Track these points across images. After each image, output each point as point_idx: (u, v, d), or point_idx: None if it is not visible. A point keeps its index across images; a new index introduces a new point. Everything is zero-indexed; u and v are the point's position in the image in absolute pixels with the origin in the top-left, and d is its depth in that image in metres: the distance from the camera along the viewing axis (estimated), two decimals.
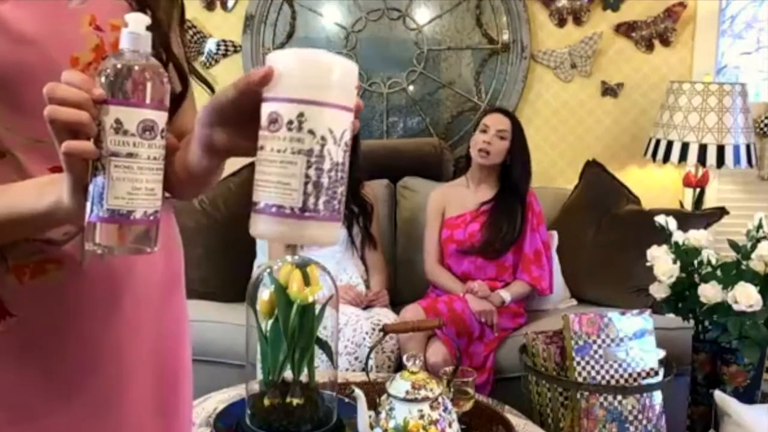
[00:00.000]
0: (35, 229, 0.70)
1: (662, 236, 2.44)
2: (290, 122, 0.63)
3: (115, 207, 0.63)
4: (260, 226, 0.69)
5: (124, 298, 0.81)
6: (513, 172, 2.67)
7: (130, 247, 0.66)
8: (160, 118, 0.65)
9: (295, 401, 1.56)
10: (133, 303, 0.82)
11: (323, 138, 0.64)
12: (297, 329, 1.51)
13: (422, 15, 3.25)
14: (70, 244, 0.74)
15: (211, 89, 0.85)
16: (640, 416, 2.11)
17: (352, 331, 2.36)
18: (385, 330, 1.86)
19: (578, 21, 3.19)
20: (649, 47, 3.19)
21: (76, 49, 0.73)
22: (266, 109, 0.64)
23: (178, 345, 0.93)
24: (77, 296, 0.76)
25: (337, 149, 0.65)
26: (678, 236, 2.40)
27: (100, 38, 0.74)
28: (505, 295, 2.57)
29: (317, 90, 0.63)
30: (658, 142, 2.98)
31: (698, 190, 3.07)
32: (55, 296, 0.74)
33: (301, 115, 0.63)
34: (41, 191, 0.66)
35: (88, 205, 0.64)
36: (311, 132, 0.63)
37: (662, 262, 2.35)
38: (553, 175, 3.27)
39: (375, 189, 2.92)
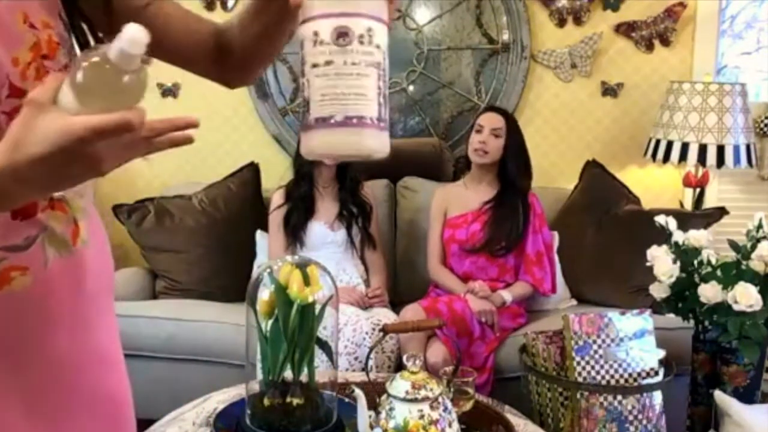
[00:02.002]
0: None
1: (662, 236, 2.44)
2: (361, 36, 0.66)
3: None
4: (337, 138, 0.67)
5: (84, 299, 0.79)
6: (510, 168, 2.67)
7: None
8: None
9: (295, 401, 1.56)
10: (89, 304, 0.80)
11: (384, 52, 0.68)
12: (297, 329, 1.52)
13: (422, 15, 3.25)
14: (33, 248, 0.71)
15: None
16: (640, 416, 2.11)
17: (352, 331, 2.36)
18: (385, 330, 1.86)
19: (578, 21, 3.19)
20: (649, 47, 3.19)
21: (14, 48, 0.70)
22: (328, 23, 0.66)
23: (118, 352, 0.90)
24: (43, 300, 0.73)
25: (387, 61, 0.69)
26: (678, 236, 2.40)
27: (36, 36, 0.71)
28: (507, 295, 2.57)
29: (379, 7, 0.68)
30: (658, 142, 2.98)
31: (698, 190, 3.07)
32: (20, 303, 0.71)
33: (369, 29, 0.66)
34: None
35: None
36: (378, 46, 0.67)
37: (662, 262, 2.35)
38: (553, 175, 3.27)
39: (375, 189, 2.92)
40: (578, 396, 2.10)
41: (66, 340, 0.76)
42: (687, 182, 3.08)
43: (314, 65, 0.67)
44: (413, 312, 2.45)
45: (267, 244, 2.82)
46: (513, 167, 2.67)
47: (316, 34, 0.66)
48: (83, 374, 0.79)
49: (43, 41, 0.72)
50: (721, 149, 2.85)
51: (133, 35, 0.60)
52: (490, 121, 2.66)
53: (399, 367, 2.32)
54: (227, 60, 0.91)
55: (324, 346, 1.59)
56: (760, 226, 2.41)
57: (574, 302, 2.85)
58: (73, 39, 0.78)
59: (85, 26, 0.79)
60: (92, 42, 0.80)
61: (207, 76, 0.94)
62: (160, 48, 0.87)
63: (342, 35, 0.65)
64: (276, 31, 0.84)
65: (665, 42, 3.18)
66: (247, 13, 0.87)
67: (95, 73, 0.59)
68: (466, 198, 2.74)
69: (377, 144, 0.68)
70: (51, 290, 0.73)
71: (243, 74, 0.95)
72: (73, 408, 0.77)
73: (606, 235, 2.82)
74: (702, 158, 2.87)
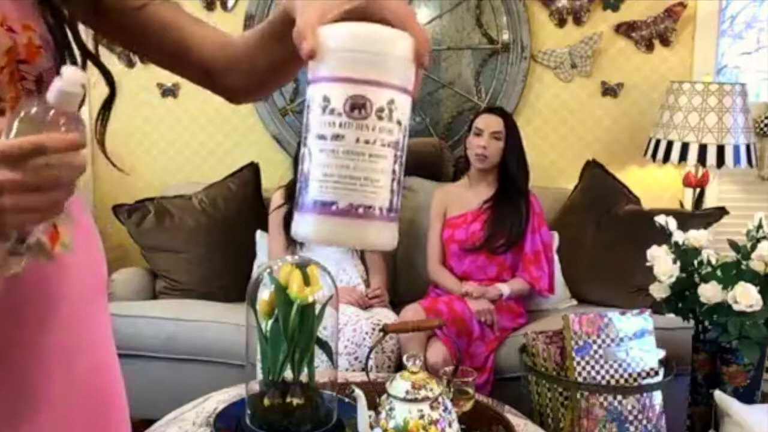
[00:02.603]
0: None
1: (662, 236, 2.44)
2: (381, 110, 0.55)
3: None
4: (337, 229, 0.57)
5: (58, 304, 0.76)
6: (510, 168, 2.68)
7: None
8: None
9: (295, 401, 1.56)
10: (67, 309, 0.77)
11: (405, 128, 0.57)
12: (297, 329, 1.52)
13: (422, 15, 3.25)
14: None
15: (111, 84, 0.81)
16: (640, 416, 2.11)
17: (352, 331, 2.36)
18: (385, 330, 1.86)
19: (578, 21, 3.19)
20: (649, 47, 3.19)
21: None
22: (342, 90, 0.55)
23: (111, 363, 0.87)
24: (17, 304, 0.71)
25: (407, 138, 0.58)
26: (678, 236, 2.40)
27: (13, 40, 0.69)
28: (504, 288, 2.57)
29: (406, 75, 0.56)
30: (658, 142, 2.98)
31: (698, 190, 3.07)
32: None
33: (391, 102, 0.55)
34: None
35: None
36: (399, 122, 0.56)
37: (662, 262, 2.35)
38: (553, 175, 3.27)
39: None
40: (578, 396, 2.10)
41: (43, 342, 0.75)
42: (687, 182, 3.08)
43: (320, 136, 0.55)
44: (413, 312, 2.45)
45: (267, 244, 2.82)
46: (513, 166, 2.68)
47: (326, 99, 0.55)
48: (64, 369, 0.77)
49: (20, 45, 0.69)
50: (721, 149, 2.85)
51: (72, 76, 0.57)
52: (490, 124, 2.66)
53: (399, 367, 2.32)
54: (230, 76, 0.84)
55: (324, 346, 1.59)
56: (760, 226, 2.41)
57: (574, 302, 2.85)
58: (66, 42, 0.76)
59: (67, 28, 0.75)
60: (73, 45, 0.76)
61: (206, 87, 0.88)
62: (155, 52, 0.86)
63: (358, 107, 0.54)
64: (289, 68, 0.77)
65: (665, 42, 3.18)
66: (261, 38, 0.79)
67: (28, 126, 0.57)
68: (465, 198, 2.74)
69: (384, 238, 0.59)
70: (26, 294, 0.71)
71: (246, 94, 0.88)
72: (55, 399, 0.76)
73: (606, 235, 2.82)
74: (702, 158, 2.87)
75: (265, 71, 0.80)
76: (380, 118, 0.55)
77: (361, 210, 0.56)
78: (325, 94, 0.55)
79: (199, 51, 0.84)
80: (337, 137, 0.55)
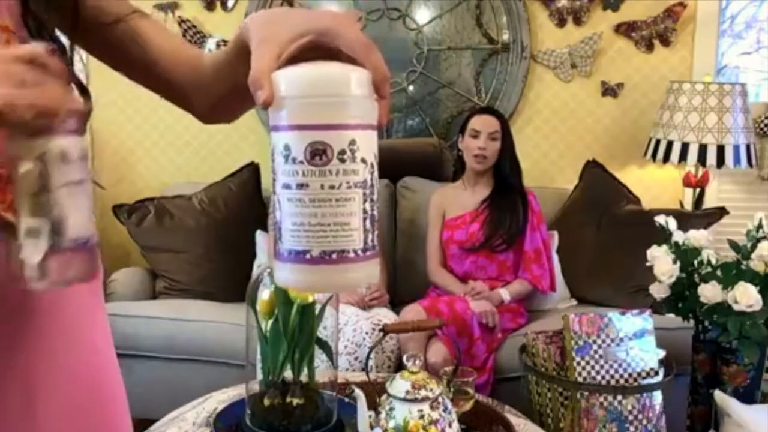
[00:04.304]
0: None
1: (662, 236, 2.44)
2: (342, 152, 0.54)
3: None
4: (313, 277, 0.56)
5: (61, 308, 0.74)
6: (503, 168, 2.69)
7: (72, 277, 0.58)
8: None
9: (295, 401, 1.56)
10: (69, 316, 0.75)
11: (372, 165, 0.56)
12: (297, 329, 1.52)
13: (422, 15, 3.25)
14: None
15: (88, 97, 0.77)
16: (640, 416, 2.11)
17: (352, 331, 2.36)
18: (386, 330, 1.86)
19: (578, 21, 3.19)
20: (649, 47, 3.19)
21: None
22: (300, 137, 0.54)
23: (109, 362, 0.85)
24: (7, 305, 0.68)
25: (376, 173, 0.57)
26: (678, 236, 2.40)
27: None
28: (505, 294, 2.58)
29: (365, 111, 0.55)
30: (658, 142, 2.98)
31: (698, 190, 3.07)
32: None
33: (353, 142, 0.54)
34: None
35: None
36: (363, 160, 0.55)
37: (662, 262, 2.35)
38: (553, 175, 3.27)
39: None
40: (578, 396, 2.10)
41: (41, 341, 0.74)
42: (687, 182, 3.08)
43: (286, 186, 0.55)
44: (414, 312, 2.45)
45: (267, 244, 2.81)
46: (506, 165, 2.69)
47: (287, 148, 0.54)
48: (62, 368, 0.77)
49: None
50: (721, 149, 2.85)
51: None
52: (486, 124, 2.66)
53: (399, 367, 2.32)
54: (196, 96, 0.83)
55: (324, 346, 1.59)
56: (760, 226, 2.41)
57: (574, 302, 2.85)
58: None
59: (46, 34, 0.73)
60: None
61: (176, 104, 0.86)
62: (130, 68, 0.85)
63: (318, 153, 0.53)
64: (242, 104, 0.74)
65: (665, 42, 3.18)
66: (219, 64, 0.76)
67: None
68: (463, 199, 2.75)
69: (362, 277, 0.57)
70: (14, 291, 0.71)
71: (212, 116, 0.86)
72: (54, 398, 0.76)
73: (606, 235, 2.82)
74: (702, 158, 2.87)
75: (227, 96, 0.78)
76: (342, 161, 0.54)
77: (334, 256, 0.55)
78: (286, 142, 0.54)
79: (166, 68, 0.83)
80: (301, 186, 0.54)
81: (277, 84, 0.55)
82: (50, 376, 0.75)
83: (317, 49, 0.58)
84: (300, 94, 0.55)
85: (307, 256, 0.55)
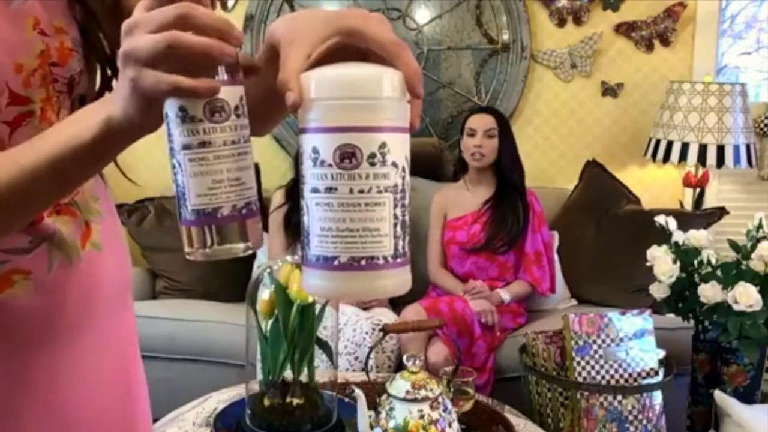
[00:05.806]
0: (87, 165, 0.60)
1: (662, 236, 2.44)
2: (372, 156, 0.52)
3: (199, 207, 0.58)
4: (342, 284, 0.55)
5: (95, 310, 0.75)
6: (505, 167, 2.68)
7: (224, 249, 0.58)
8: (232, 94, 0.56)
9: (295, 401, 1.56)
10: (101, 317, 0.76)
11: (404, 169, 0.54)
12: (297, 329, 1.52)
13: (422, 15, 3.25)
14: (37, 251, 0.68)
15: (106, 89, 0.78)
16: (640, 416, 2.11)
17: (352, 331, 2.36)
18: (386, 330, 1.86)
19: (578, 21, 3.19)
20: (649, 47, 3.19)
21: (19, 55, 0.65)
22: (329, 140, 0.53)
23: (135, 361, 0.87)
24: (46, 306, 0.69)
25: (408, 177, 0.55)
26: (678, 236, 2.40)
27: (46, 43, 0.67)
28: (504, 294, 2.58)
29: (397, 113, 0.54)
30: (658, 142, 2.98)
31: (698, 190, 3.07)
32: (22, 308, 0.67)
33: (383, 145, 0.53)
34: (83, 116, 0.57)
35: (178, 209, 0.58)
36: (394, 164, 0.53)
37: (662, 262, 2.35)
38: (553, 175, 3.27)
39: None
40: (578, 396, 2.10)
41: (75, 339, 0.75)
42: (687, 182, 3.08)
43: (314, 189, 0.54)
44: (414, 312, 2.45)
45: (267, 244, 2.82)
46: (508, 165, 2.68)
47: (315, 151, 0.53)
48: (91, 366, 0.77)
49: (53, 48, 0.68)
50: (721, 149, 2.85)
51: None
52: (482, 122, 2.66)
53: (399, 367, 2.32)
54: None
55: (324, 346, 1.59)
56: (760, 226, 2.41)
57: (574, 302, 2.85)
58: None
59: (101, 33, 0.73)
60: (105, 46, 0.74)
61: None
62: None
63: (348, 156, 0.52)
64: (275, 111, 0.73)
65: (665, 42, 3.18)
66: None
67: None
68: (464, 199, 2.74)
69: (393, 284, 0.56)
70: (54, 295, 0.71)
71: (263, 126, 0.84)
72: (85, 396, 0.76)
73: (606, 235, 2.82)
74: (702, 158, 2.87)
75: (260, 104, 0.73)
76: (372, 164, 0.52)
77: (363, 262, 0.54)
78: (315, 145, 0.53)
79: None
80: (330, 189, 0.53)
81: (306, 85, 0.54)
82: (80, 376, 0.75)
83: (346, 49, 0.57)
84: (329, 96, 0.53)
85: (335, 262, 0.54)
